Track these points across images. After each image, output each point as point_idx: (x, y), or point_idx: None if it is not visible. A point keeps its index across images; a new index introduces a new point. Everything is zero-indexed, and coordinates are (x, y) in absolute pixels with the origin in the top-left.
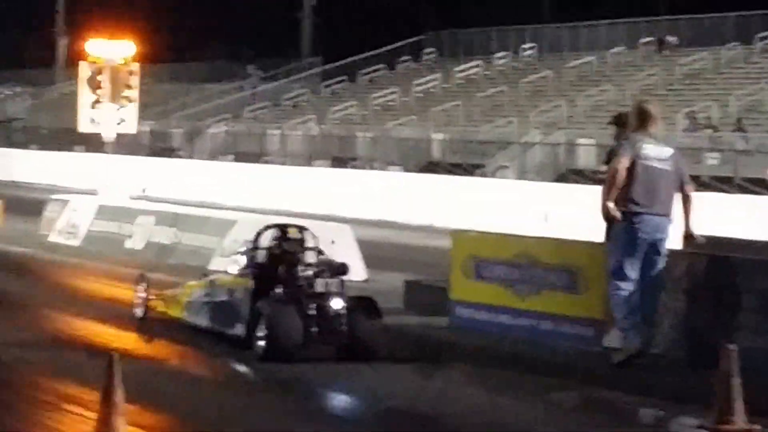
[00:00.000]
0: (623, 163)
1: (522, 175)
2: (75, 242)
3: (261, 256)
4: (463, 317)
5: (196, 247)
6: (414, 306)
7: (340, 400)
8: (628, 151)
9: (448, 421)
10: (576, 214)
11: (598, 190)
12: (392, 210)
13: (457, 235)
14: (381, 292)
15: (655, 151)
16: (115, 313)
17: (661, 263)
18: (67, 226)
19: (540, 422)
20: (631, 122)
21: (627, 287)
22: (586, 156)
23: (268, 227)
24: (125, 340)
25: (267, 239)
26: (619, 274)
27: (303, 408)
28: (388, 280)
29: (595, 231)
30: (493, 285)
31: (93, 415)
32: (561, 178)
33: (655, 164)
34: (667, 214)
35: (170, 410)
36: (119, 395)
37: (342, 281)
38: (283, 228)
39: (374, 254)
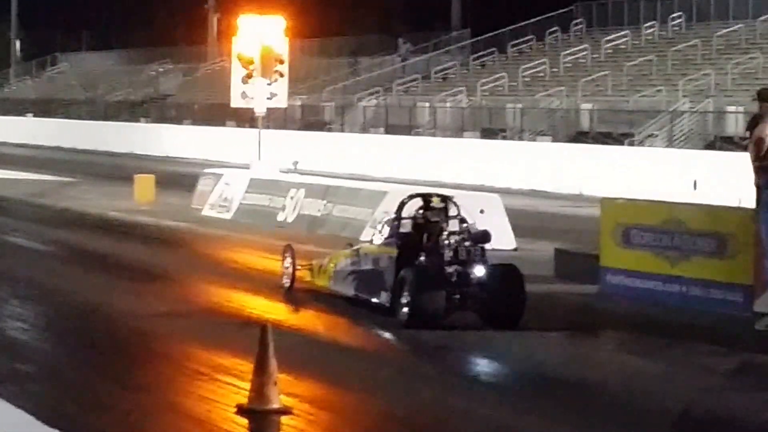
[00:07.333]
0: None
1: (671, 143)
2: (227, 215)
3: (405, 225)
4: (613, 284)
5: (347, 219)
6: (564, 274)
7: (484, 367)
8: None
9: (596, 388)
10: (725, 181)
11: (746, 157)
12: (542, 180)
13: (607, 202)
14: (531, 261)
15: None
16: (265, 285)
17: None
18: (220, 199)
19: (690, 388)
20: None
21: None
22: (735, 123)
23: (411, 197)
24: (275, 310)
25: (411, 209)
26: None
27: (449, 375)
28: (538, 248)
29: (745, 198)
30: (643, 252)
31: (246, 386)
32: (710, 145)
33: None
34: None
35: (321, 379)
36: (273, 365)
37: (483, 248)
38: (426, 198)
39: (524, 223)
